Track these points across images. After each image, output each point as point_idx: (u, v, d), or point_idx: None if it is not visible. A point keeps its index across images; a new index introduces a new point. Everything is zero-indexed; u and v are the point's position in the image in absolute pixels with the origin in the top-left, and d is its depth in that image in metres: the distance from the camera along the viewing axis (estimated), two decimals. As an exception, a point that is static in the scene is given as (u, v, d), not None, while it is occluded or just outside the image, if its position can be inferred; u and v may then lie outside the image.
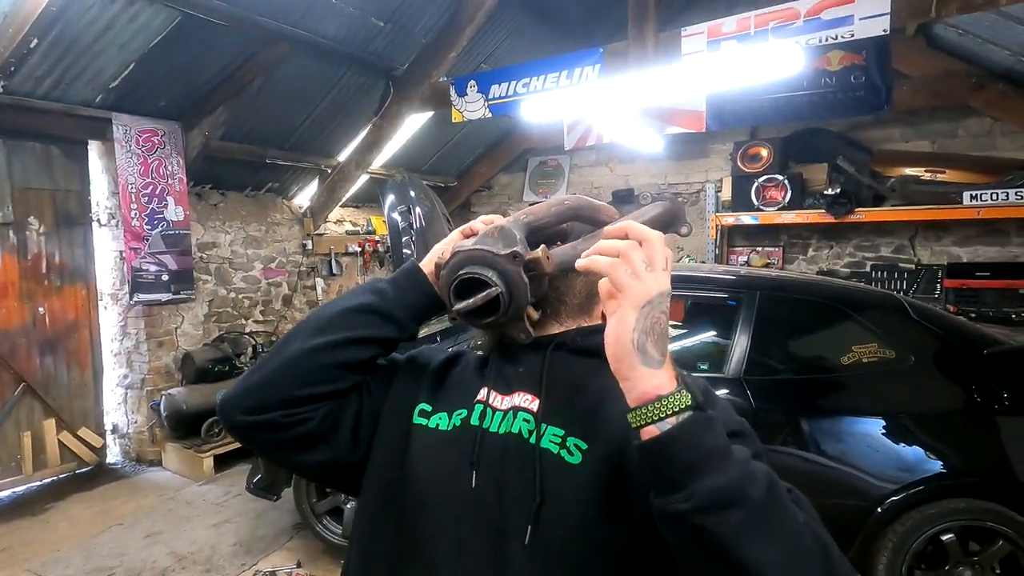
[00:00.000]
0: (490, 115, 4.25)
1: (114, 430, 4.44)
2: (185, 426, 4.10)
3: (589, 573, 0.64)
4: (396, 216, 4.38)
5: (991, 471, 2.17)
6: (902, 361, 2.31)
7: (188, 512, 3.51)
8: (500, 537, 0.66)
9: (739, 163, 5.04)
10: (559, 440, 0.68)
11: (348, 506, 2.86)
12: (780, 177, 4.83)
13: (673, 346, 2.93)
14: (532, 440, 0.69)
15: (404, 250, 4.36)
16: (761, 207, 4.90)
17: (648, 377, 0.55)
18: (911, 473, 2.20)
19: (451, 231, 0.81)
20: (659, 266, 0.58)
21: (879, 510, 2.20)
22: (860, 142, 4.96)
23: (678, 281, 2.62)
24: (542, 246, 0.69)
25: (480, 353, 0.81)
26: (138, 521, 3.41)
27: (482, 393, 0.75)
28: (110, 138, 3.92)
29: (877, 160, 4.82)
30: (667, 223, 0.82)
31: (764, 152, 4.93)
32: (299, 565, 2.84)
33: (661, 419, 0.53)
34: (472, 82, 4.20)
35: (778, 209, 4.83)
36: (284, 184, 5.30)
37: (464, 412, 0.74)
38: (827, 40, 3.20)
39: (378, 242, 6.05)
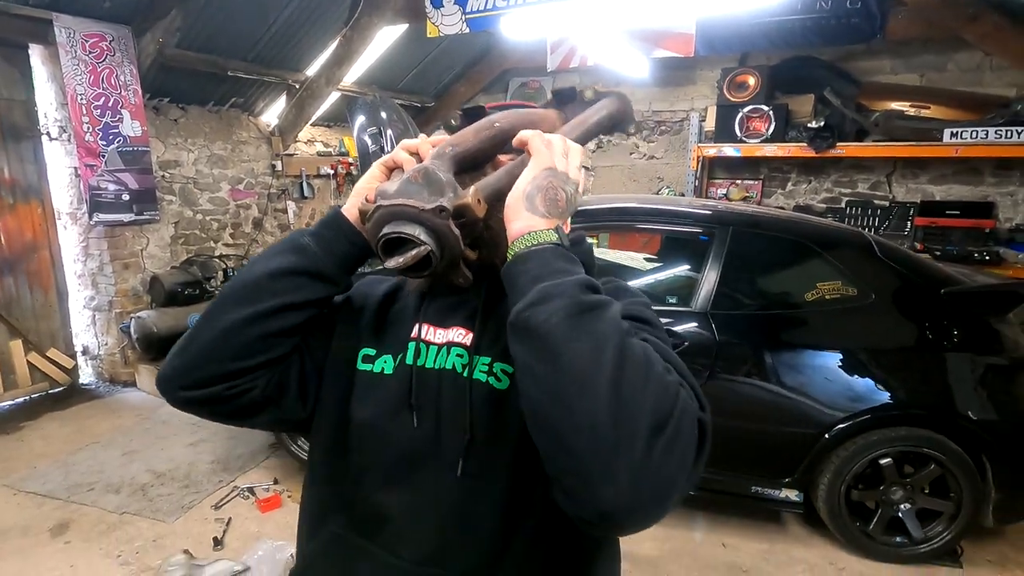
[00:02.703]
0: (468, 30, 4.00)
1: (84, 352, 4.41)
2: (157, 348, 4.09)
3: (521, 499, 0.66)
4: (366, 138, 4.20)
5: (934, 403, 2.30)
6: (863, 298, 2.37)
7: (164, 431, 3.57)
8: (440, 473, 0.68)
9: (725, 91, 4.89)
10: (487, 368, 0.69)
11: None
12: (765, 108, 4.71)
13: (645, 280, 2.96)
14: (464, 374, 0.70)
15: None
16: (744, 139, 4.81)
17: (527, 219, 0.61)
18: (860, 403, 2.31)
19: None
20: (572, 164, 0.65)
21: (826, 436, 2.33)
22: (849, 73, 4.83)
23: (652, 215, 2.57)
24: (472, 188, 0.64)
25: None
26: (115, 440, 3.46)
27: (415, 329, 0.75)
28: (53, 42, 3.60)
29: (864, 93, 4.72)
30: (615, 124, 0.79)
31: (751, 80, 4.78)
32: (276, 482, 2.94)
33: (526, 247, 0.59)
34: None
35: (760, 141, 4.75)
36: (249, 100, 5.00)
37: (400, 354, 0.74)
38: (825, -41, 3.01)
39: (351, 164, 5.83)
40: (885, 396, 2.31)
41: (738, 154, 4.89)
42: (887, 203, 4.93)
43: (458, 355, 0.71)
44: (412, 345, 0.74)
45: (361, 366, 0.76)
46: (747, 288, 2.49)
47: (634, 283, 2.90)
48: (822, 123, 4.51)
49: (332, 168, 5.74)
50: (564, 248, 0.59)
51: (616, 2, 3.46)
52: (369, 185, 0.70)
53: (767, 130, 4.73)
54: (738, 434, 2.39)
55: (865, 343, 2.36)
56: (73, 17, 3.62)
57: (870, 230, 4.77)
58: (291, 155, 5.41)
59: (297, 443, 2.98)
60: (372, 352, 0.76)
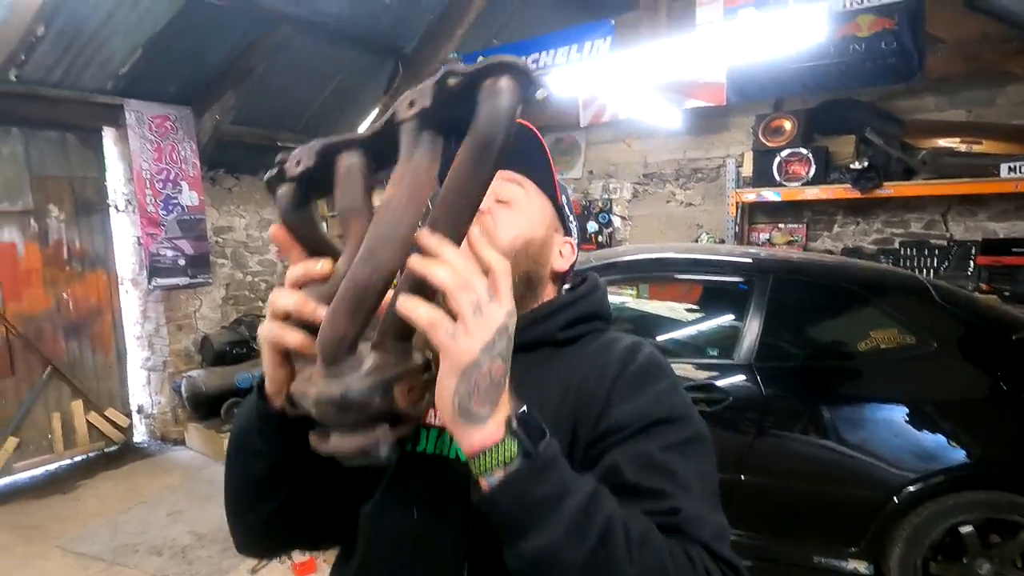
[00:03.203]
0: (500, 93, 4.15)
1: (139, 410, 4.58)
2: (205, 407, 4.21)
3: None
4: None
5: (1016, 463, 2.08)
6: (923, 347, 2.20)
7: (208, 491, 3.61)
8: (447, 563, 0.63)
9: (761, 137, 4.84)
10: None
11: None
12: (804, 151, 4.63)
13: (686, 331, 2.87)
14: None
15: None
16: (783, 182, 4.71)
17: (473, 434, 0.50)
18: (931, 463, 2.11)
19: None
20: (500, 294, 0.49)
21: (895, 500, 2.13)
22: (890, 112, 4.71)
23: (689, 265, 2.50)
24: (398, 386, 0.50)
25: None
26: (162, 499, 3.53)
27: None
28: (123, 124, 3.95)
29: (908, 131, 4.58)
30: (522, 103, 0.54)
31: (787, 125, 4.72)
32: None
33: (490, 471, 0.49)
34: (481, 58, 4.08)
35: (801, 184, 4.64)
36: (297, 167, 5.29)
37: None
38: (855, 4, 3.01)
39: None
40: (960, 455, 2.10)
41: (778, 198, 4.78)
42: (945, 242, 4.67)
43: None
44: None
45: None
46: (793, 338, 2.37)
47: (675, 335, 2.81)
48: (866, 163, 4.38)
49: None
50: (533, 460, 0.50)
51: (644, 59, 3.53)
52: (275, 375, 0.56)
53: (807, 173, 4.62)
54: (795, 496, 2.22)
55: (931, 395, 2.18)
56: (141, 101, 3.98)
57: (929, 272, 4.52)
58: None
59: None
60: None
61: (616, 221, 6.19)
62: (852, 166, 4.43)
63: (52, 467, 4.02)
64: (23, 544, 3.05)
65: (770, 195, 4.77)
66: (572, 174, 6.56)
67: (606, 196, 6.31)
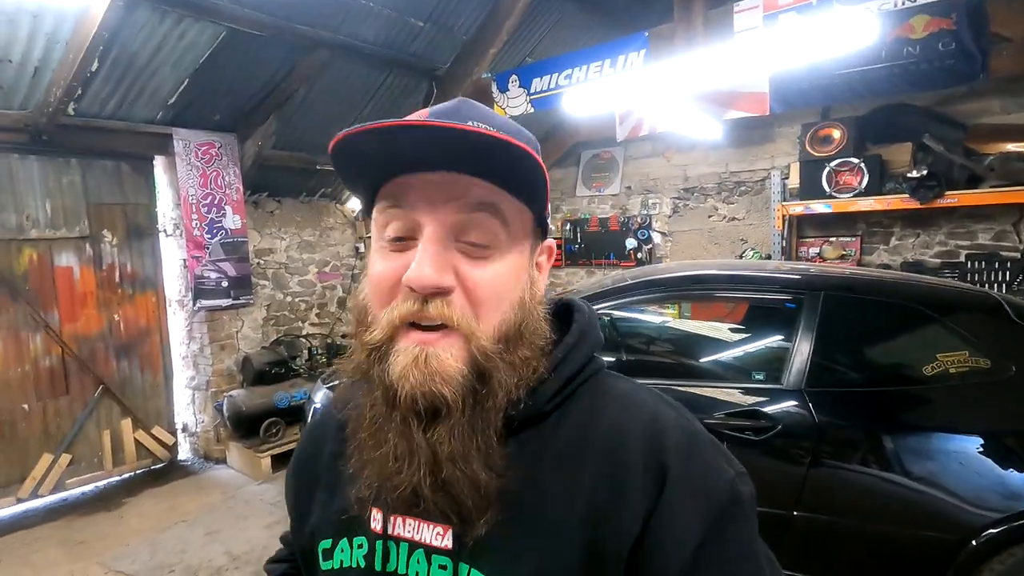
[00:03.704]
0: (532, 110, 4.11)
1: (184, 429, 4.70)
2: (245, 426, 4.27)
3: None
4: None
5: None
6: (1000, 371, 1.98)
7: (246, 511, 3.63)
8: None
9: (808, 146, 4.62)
10: None
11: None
12: (855, 160, 4.38)
13: (731, 352, 2.70)
14: None
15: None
16: (834, 194, 4.47)
17: None
18: (1015, 501, 1.88)
19: None
20: None
21: (974, 543, 1.90)
22: (951, 117, 4.41)
23: (732, 282, 2.34)
24: None
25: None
26: (200, 518, 3.57)
27: (376, 518, 0.57)
28: (172, 152, 4.12)
29: (972, 136, 4.27)
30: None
31: (836, 133, 4.49)
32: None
33: None
34: (513, 77, 4.08)
35: (854, 195, 4.39)
36: (336, 189, 5.41)
37: (363, 540, 0.58)
38: (906, 4, 2.83)
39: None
40: (1047, 493, 1.86)
41: (828, 210, 4.53)
42: (1018, 254, 4.30)
43: (440, 567, 0.53)
44: (379, 545, 0.56)
45: (323, 565, 0.61)
46: (848, 361, 2.18)
47: (718, 357, 2.64)
48: (925, 172, 4.10)
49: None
50: None
51: (681, 70, 3.43)
52: None
53: (860, 183, 4.37)
54: (854, 535, 2.01)
55: (1011, 425, 1.95)
56: (189, 130, 4.14)
57: (1001, 287, 4.16)
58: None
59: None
60: (328, 544, 0.61)
61: (656, 237, 6.03)
62: (910, 175, 4.16)
63: (101, 484, 4.14)
64: (69, 561, 3.13)
65: (820, 207, 4.53)
66: (610, 190, 6.45)
67: (645, 212, 6.17)
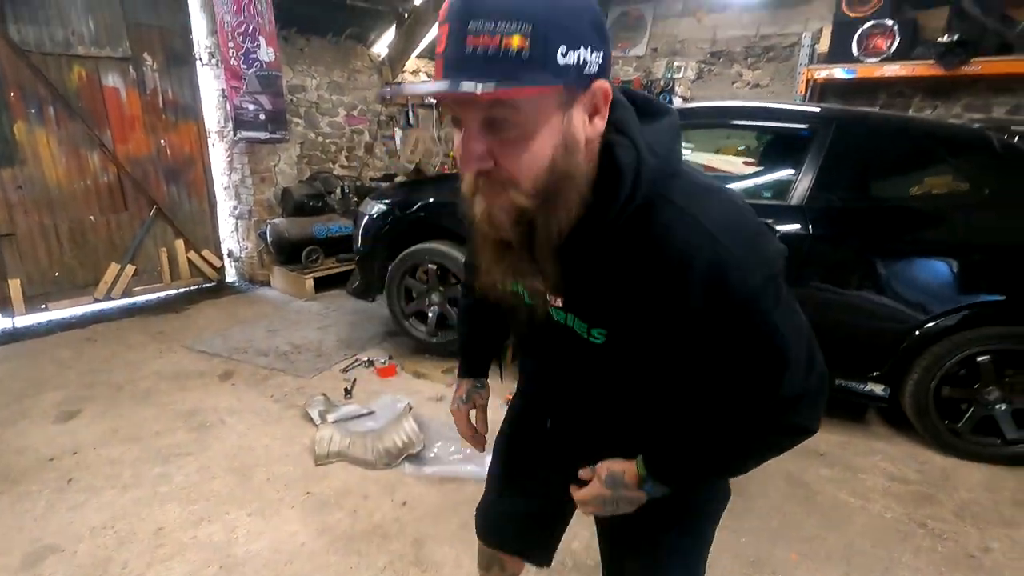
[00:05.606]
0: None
1: (229, 254, 5.13)
2: (287, 252, 4.69)
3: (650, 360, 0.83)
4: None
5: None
6: (975, 193, 2.30)
7: (297, 318, 4.15)
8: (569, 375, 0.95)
9: (844, 7, 4.57)
10: (584, 330, 0.83)
11: (430, 312, 3.32)
12: (889, 22, 4.37)
13: (741, 184, 2.99)
14: (569, 324, 0.86)
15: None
16: (861, 58, 4.51)
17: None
18: (961, 299, 2.27)
19: None
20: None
21: (923, 328, 2.31)
22: (996, -19, 4.33)
23: (753, 113, 2.57)
24: None
25: None
26: (259, 321, 4.09)
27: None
28: (205, -27, 4.08)
29: (1012, 1, 4.23)
30: None
31: (876, -7, 4.43)
32: (391, 358, 3.39)
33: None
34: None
35: (880, 60, 4.44)
36: (364, 30, 5.36)
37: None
38: None
39: (453, 95, 6.09)
40: (993, 294, 2.26)
41: (852, 75, 4.59)
42: (1026, 129, 4.46)
43: (558, 311, 0.86)
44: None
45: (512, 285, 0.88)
46: (846, 183, 2.47)
47: (732, 186, 2.94)
48: (956, 37, 4.13)
49: (435, 98, 6.03)
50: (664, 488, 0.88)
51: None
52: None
53: (889, 47, 4.39)
54: (827, 326, 2.44)
55: (976, 239, 2.29)
56: (222, -51, 4.07)
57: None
58: (399, 83, 5.76)
59: (409, 320, 3.40)
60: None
61: (677, 102, 6.06)
62: (940, 40, 4.19)
63: (162, 294, 4.64)
64: (155, 343, 3.67)
65: (843, 72, 4.59)
66: (635, 51, 6.37)
67: (669, 75, 6.15)
